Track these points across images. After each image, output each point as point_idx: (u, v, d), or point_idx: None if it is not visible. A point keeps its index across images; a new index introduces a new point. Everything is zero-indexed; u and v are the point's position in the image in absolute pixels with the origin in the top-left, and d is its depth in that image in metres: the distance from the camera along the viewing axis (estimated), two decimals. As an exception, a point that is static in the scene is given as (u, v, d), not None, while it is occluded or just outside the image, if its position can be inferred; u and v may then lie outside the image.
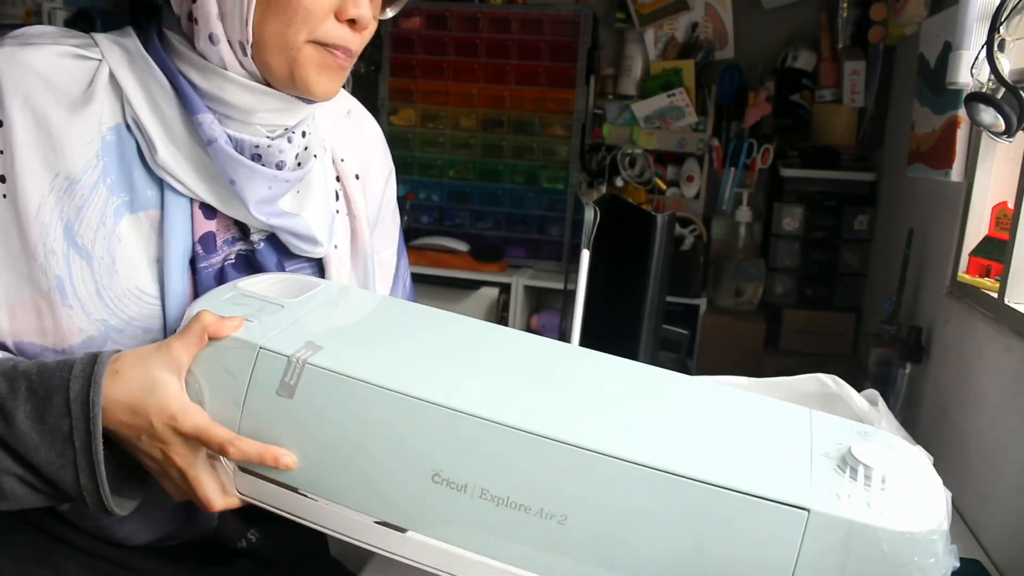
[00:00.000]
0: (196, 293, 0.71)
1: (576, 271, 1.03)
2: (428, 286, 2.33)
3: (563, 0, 2.36)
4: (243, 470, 0.62)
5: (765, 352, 2.17)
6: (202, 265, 0.71)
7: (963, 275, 1.17)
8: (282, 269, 0.76)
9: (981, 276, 1.13)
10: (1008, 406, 0.90)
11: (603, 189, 2.31)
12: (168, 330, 0.70)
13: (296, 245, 0.75)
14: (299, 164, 0.74)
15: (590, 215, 1.06)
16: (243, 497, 0.63)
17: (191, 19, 0.67)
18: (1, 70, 0.63)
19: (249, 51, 0.67)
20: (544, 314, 2.37)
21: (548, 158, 2.36)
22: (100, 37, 0.69)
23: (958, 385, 1.10)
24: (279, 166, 0.71)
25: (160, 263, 0.69)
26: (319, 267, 0.79)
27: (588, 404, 0.60)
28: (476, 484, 0.55)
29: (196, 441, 0.61)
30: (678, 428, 0.59)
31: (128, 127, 0.68)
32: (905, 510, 0.51)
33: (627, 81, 2.34)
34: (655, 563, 0.53)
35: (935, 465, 0.59)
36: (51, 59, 0.65)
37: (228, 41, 0.67)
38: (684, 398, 0.64)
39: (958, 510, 0.97)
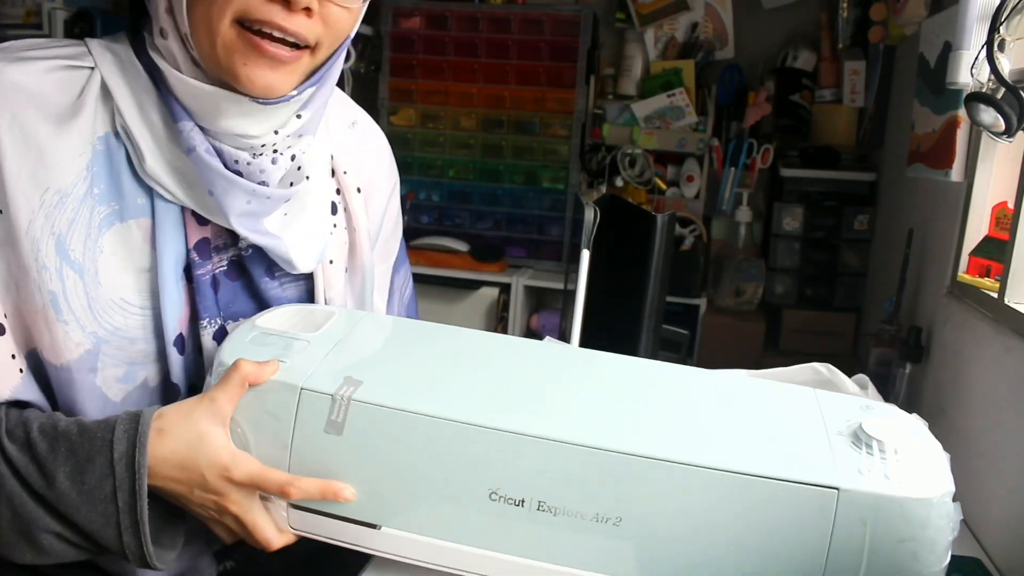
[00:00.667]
0: (192, 301, 0.70)
1: (576, 271, 1.03)
2: (428, 286, 2.33)
3: (563, 0, 2.36)
4: (295, 506, 0.63)
5: (765, 352, 2.16)
6: (198, 272, 0.70)
7: (963, 275, 1.17)
8: (272, 275, 0.76)
9: (981, 276, 1.13)
10: (1008, 406, 0.90)
11: (603, 189, 2.30)
12: (167, 339, 0.69)
13: (277, 262, 0.74)
14: (291, 184, 0.72)
15: (590, 215, 1.06)
16: (297, 532, 0.64)
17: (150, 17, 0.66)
18: None
19: (190, 42, 0.64)
20: (544, 314, 2.37)
21: (548, 158, 2.36)
22: (93, 44, 0.68)
23: (958, 385, 1.10)
24: (262, 184, 0.69)
25: (150, 272, 0.68)
26: (308, 278, 0.78)
27: (622, 410, 0.64)
28: (533, 498, 0.58)
29: (251, 488, 0.62)
30: (708, 424, 0.63)
31: (117, 135, 0.66)
32: (919, 477, 0.57)
33: (627, 81, 2.34)
34: (705, 550, 0.57)
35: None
36: (39, 74, 0.64)
37: (177, 36, 0.65)
38: (705, 393, 0.69)
39: (958, 510, 0.98)
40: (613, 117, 2.33)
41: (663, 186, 2.33)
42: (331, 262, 0.79)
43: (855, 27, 2.15)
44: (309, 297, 0.79)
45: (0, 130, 0.62)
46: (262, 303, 0.76)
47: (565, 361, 0.72)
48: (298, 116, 0.70)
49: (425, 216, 2.46)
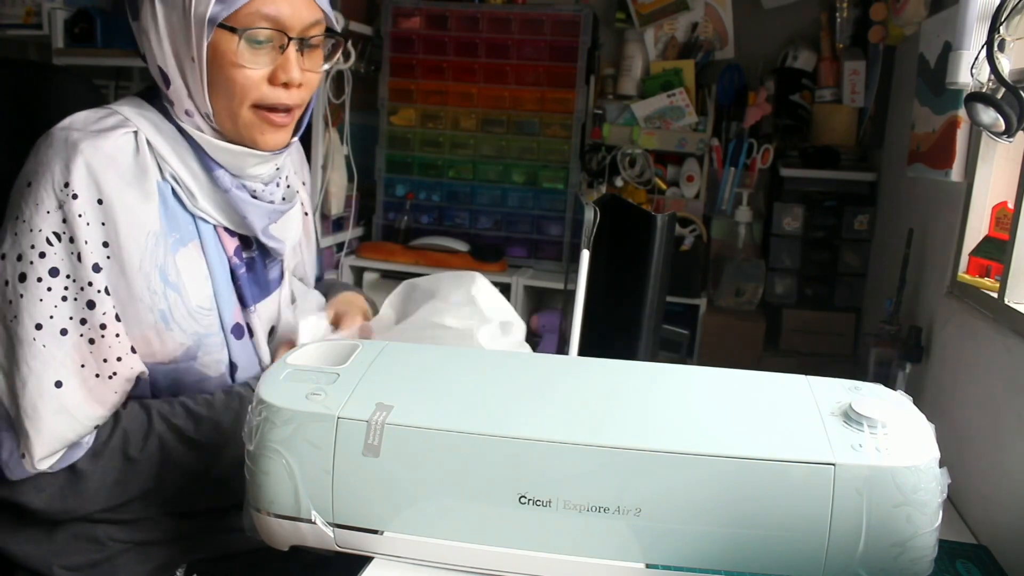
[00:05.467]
0: (240, 296, 0.91)
1: (576, 271, 1.03)
2: (428, 286, 2.33)
3: (563, 0, 2.36)
4: (340, 526, 0.69)
5: (765, 352, 2.17)
6: (240, 272, 0.91)
7: (963, 275, 1.17)
8: (264, 266, 0.96)
9: (981, 276, 1.13)
10: (1008, 406, 0.90)
11: (603, 189, 2.30)
12: (225, 328, 0.89)
13: (273, 252, 0.97)
14: (284, 199, 0.94)
15: (590, 215, 1.06)
16: (341, 550, 0.70)
17: (169, 101, 0.85)
18: (94, 160, 0.79)
19: (213, 121, 0.85)
20: (544, 314, 2.37)
21: (548, 158, 2.36)
22: (125, 111, 0.85)
23: (958, 385, 1.10)
24: (271, 203, 0.91)
25: (208, 279, 0.87)
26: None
27: (632, 410, 0.70)
28: (559, 497, 0.64)
29: None
30: (713, 416, 0.69)
31: (165, 180, 0.85)
32: (907, 448, 0.63)
33: (627, 81, 2.34)
34: (720, 529, 0.63)
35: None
36: (117, 143, 0.82)
37: (200, 114, 0.84)
38: (704, 388, 0.74)
39: (958, 510, 0.97)
40: (613, 117, 2.33)
41: (663, 186, 2.33)
42: (299, 243, 1.05)
43: (855, 27, 2.15)
44: (280, 270, 1.01)
45: (109, 190, 0.79)
46: (263, 286, 0.96)
47: (570, 370, 0.78)
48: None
49: (425, 216, 2.46)
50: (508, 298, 2.31)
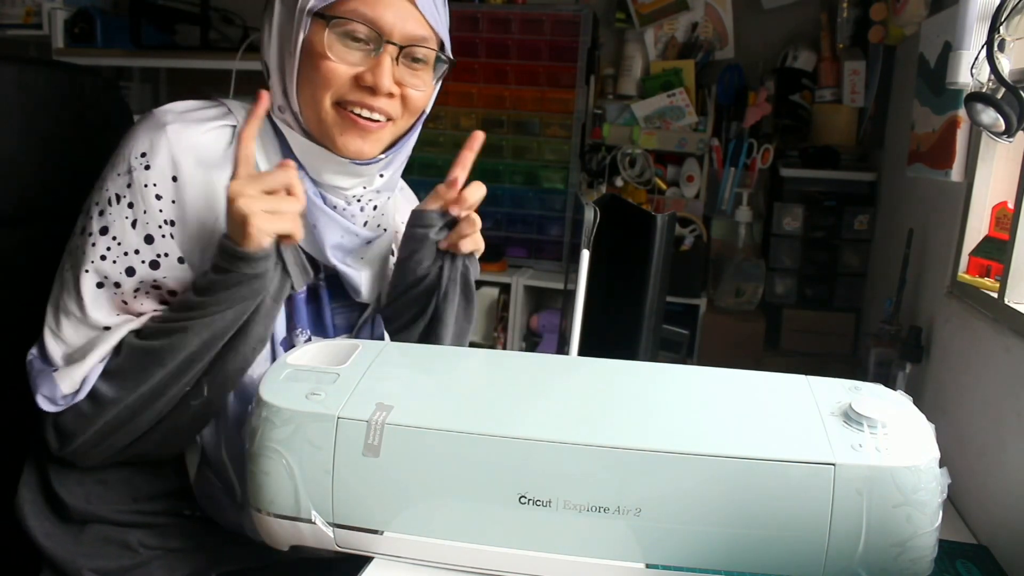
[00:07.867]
0: (289, 313, 0.88)
1: (576, 271, 1.03)
2: (428, 286, 2.33)
3: (563, 0, 2.36)
4: (339, 526, 0.69)
5: (765, 352, 2.16)
6: (296, 294, 0.87)
7: (963, 275, 1.17)
8: (332, 304, 0.92)
9: (981, 276, 1.13)
10: (1008, 406, 0.90)
11: (603, 189, 2.30)
12: (276, 340, 0.86)
13: (348, 288, 0.92)
14: (366, 227, 0.91)
15: (590, 215, 1.06)
16: (343, 550, 0.70)
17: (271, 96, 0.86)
18: (176, 141, 0.80)
19: (300, 117, 0.84)
20: (544, 314, 2.37)
21: (548, 158, 2.36)
22: (233, 105, 0.86)
23: (958, 385, 1.10)
24: (351, 224, 0.88)
25: None
26: (352, 310, 0.96)
27: (632, 409, 0.70)
28: (559, 497, 0.64)
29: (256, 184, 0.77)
30: (713, 416, 0.69)
31: None
32: (907, 448, 0.63)
33: (627, 81, 2.34)
34: (720, 529, 0.63)
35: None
36: (204, 133, 0.82)
37: (290, 111, 0.84)
38: (705, 388, 0.74)
39: (958, 510, 0.97)
40: (613, 117, 2.33)
41: (663, 186, 2.33)
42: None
43: (855, 27, 2.15)
44: (351, 325, 0.95)
45: (184, 173, 0.80)
46: (322, 323, 0.92)
47: (570, 370, 0.78)
48: (380, 176, 0.91)
49: (425, 216, 2.46)
50: (508, 298, 2.33)
